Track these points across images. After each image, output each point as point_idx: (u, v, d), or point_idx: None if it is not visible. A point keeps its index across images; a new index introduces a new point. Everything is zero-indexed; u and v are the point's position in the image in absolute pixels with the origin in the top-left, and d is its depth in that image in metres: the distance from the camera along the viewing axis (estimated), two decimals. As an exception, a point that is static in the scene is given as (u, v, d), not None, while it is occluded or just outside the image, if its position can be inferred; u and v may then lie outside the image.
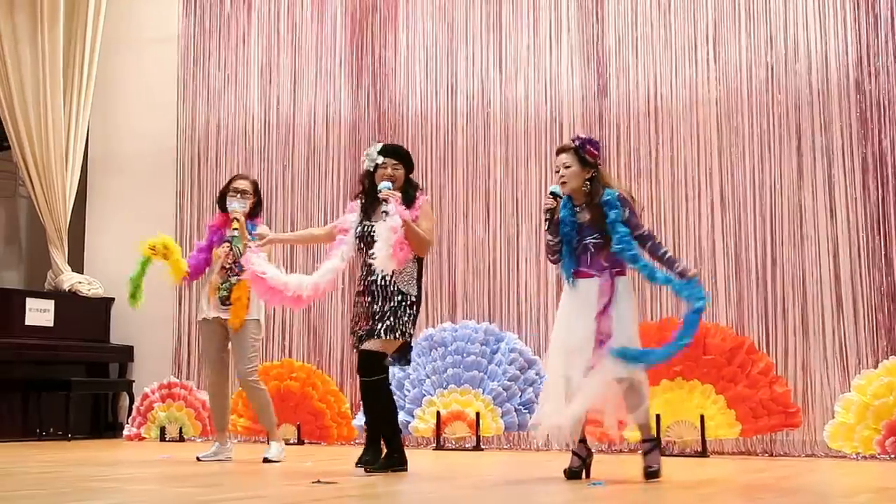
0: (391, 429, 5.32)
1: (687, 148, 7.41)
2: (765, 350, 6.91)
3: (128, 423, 8.74)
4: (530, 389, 7.34)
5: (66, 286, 9.14)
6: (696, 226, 7.30)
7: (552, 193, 4.96)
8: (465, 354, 7.49)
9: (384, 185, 5.22)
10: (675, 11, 7.54)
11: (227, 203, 6.19)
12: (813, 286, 6.93)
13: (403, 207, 5.17)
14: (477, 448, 7.34)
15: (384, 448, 5.31)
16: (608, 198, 4.84)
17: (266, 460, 6.05)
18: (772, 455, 6.78)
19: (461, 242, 7.94)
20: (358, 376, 5.34)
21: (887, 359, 6.53)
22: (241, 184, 6.32)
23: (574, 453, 4.92)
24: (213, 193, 8.98)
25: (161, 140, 9.31)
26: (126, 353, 9.19)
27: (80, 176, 9.46)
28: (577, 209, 4.94)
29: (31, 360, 8.56)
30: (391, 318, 5.17)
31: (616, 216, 4.80)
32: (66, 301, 9.02)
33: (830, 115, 7.01)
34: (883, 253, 6.78)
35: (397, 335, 5.19)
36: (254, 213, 6.29)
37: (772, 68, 7.20)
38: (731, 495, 4.40)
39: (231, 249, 6.18)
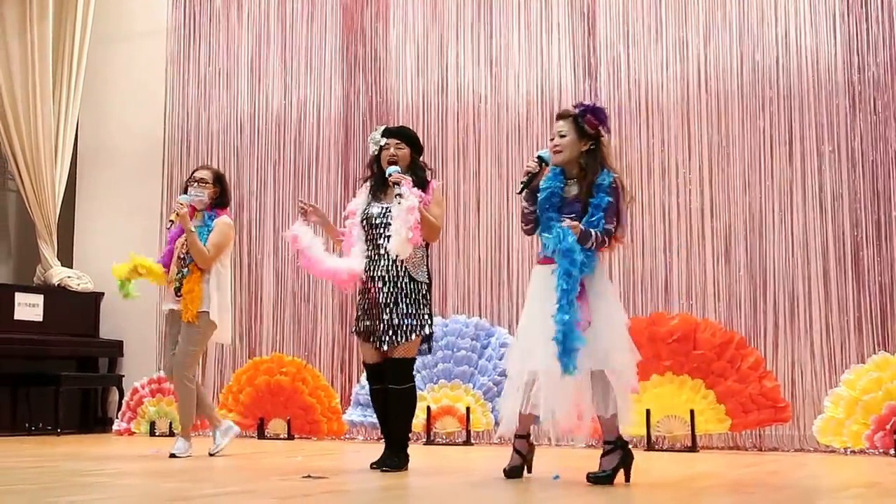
0: (408, 432, 5.27)
1: (677, 142, 7.41)
2: (754, 345, 6.93)
3: (117, 417, 8.71)
4: (521, 384, 7.34)
5: (55, 281, 9.11)
6: (686, 220, 7.30)
7: (539, 157, 4.62)
8: (455, 349, 7.49)
9: (392, 169, 5.10)
10: (666, 6, 7.54)
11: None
12: (802, 281, 6.95)
13: (417, 190, 5.06)
14: (467, 443, 7.34)
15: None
16: (603, 182, 4.47)
17: (172, 455, 6.04)
18: (761, 450, 6.80)
19: (451, 236, 7.92)
20: (388, 384, 5.11)
21: (876, 353, 6.55)
22: (200, 173, 6.24)
23: (516, 450, 4.66)
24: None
25: (150, 134, 9.29)
26: (115, 348, 9.16)
27: (70, 170, 9.43)
28: (568, 182, 4.57)
29: (21, 354, 8.52)
30: (412, 314, 5.04)
31: (605, 203, 4.41)
32: (56, 296, 8.99)
33: (821, 112, 7.02)
34: (871, 248, 6.79)
35: (419, 331, 5.09)
36: (217, 204, 6.20)
37: (762, 64, 7.21)
38: (721, 490, 4.41)
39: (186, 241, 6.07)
